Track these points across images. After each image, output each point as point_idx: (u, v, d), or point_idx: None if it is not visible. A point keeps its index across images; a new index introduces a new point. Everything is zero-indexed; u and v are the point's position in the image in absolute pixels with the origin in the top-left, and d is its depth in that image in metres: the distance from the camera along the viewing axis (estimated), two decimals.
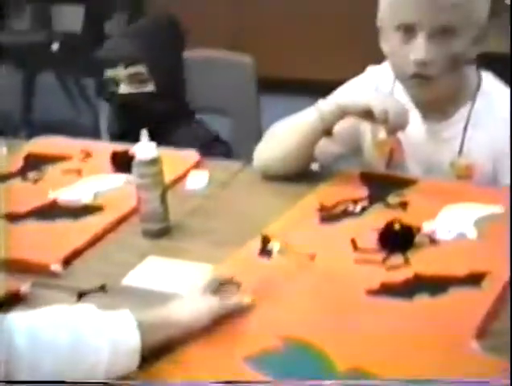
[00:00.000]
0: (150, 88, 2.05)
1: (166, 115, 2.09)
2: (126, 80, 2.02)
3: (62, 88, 4.30)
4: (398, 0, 1.50)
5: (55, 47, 4.09)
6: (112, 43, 2.13)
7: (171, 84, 2.13)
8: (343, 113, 1.54)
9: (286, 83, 4.03)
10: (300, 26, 4.28)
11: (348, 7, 4.05)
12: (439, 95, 1.56)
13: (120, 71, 2.03)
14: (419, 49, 1.49)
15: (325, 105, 1.56)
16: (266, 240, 1.39)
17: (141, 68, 2.03)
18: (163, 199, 1.47)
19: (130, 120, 2.05)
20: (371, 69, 1.71)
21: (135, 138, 1.43)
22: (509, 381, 1.01)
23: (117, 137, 2.14)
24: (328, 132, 1.57)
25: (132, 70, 2.02)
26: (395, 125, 1.50)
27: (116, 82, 2.03)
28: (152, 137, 1.43)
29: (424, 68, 1.51)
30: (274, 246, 1.36)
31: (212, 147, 2.13)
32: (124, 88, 2.02)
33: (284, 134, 1.64)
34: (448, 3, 1.46)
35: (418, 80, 1.53)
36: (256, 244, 1.38)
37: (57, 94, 4.31)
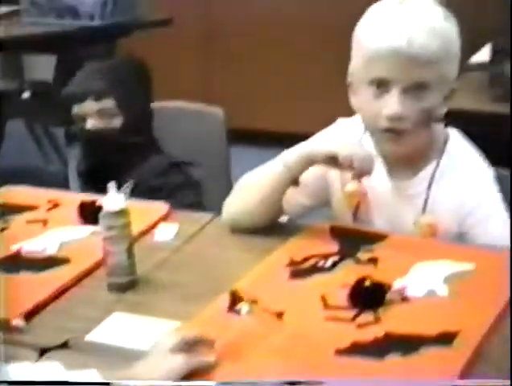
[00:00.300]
0: (118, 122, 2.03)
1: (133, 149, 2.07)
2: (95, 114, 2.00)
3: (31, 135, 4.28)
4: (373, 55, 1.50)
5: (26, 95, 4.07)
6: (80, 78, 2.11)
7: (140, 119, 2.12)
8: (308, 161, 1.53)
9: (257, 134, 4.04)
10: (273, 78, 4.30)
11: (321, 60, 4.08)
12: (410, 150, 1.56)
13: (88, 106, 2.01)
14: (392, 104, 1.49)
15: (290, 155, 1.55)
16: (234, 297, 1.36)
17: (109, 103, 2.02)
18: (130, 251, 1.44)
19: (98, 155, 2.03)
20: (341, 121, 1.70)
21: (103, 175, 1.40)
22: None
23: (85, 175, 2.11)
24: (294, 182, 1.56)
25: (100, 104, 2.00)
26: (361, 170, 1.49)
27: (83, 117, 2.01)
28: (119, 171, 1.40)
29: (398, 123, 1.51)
30: (243, 308, 1.33)
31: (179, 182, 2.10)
32: (92, 123, 2.00)
33: (251, 187, 1.63)
34: (423, 60, 1.47)
35: (390, 134, 1.53)
36: (224, 300, 1.35)
37: (26, 141, 4.29)
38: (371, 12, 1.55)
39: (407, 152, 1.57)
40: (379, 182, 1.61)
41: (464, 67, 2.58)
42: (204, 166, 2.35)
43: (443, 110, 1.57)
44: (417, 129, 1.52)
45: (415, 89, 1.49)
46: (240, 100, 4.18)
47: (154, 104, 2.41)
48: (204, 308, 1.34)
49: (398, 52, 1.47)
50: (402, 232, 1.60)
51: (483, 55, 2.55)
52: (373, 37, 1.50)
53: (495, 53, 2.32)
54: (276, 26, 4.18)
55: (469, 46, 2.73)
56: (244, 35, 4.28)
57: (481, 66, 2.53)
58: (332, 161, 1.50)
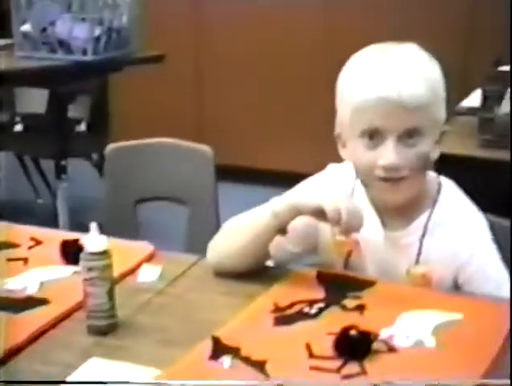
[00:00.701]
0: None
1: None
2: None
3: (22, 168, 4.26)
4: (362, 107, 1.48)
5: (18, 128, 4.06)
6: None
7: None
8: (296, 212, 1.51)
9: (246, 172, 4.03)
10: (262, 117, 4.30)
11: (308, 99, 4.08)
12: (408, 197, 1.54)
13: None
14: (388, 154, 1.47)
15: (278, 204, 1.53)
16: (216, 344, 1.33)
17: None
18: (111, 294, 1.40)
19: None
20: (332, 167, 1.68)
21: None
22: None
23: None
24: (282, 230, 1.54)
25: None
26: (348, 226, 1.46)
27: None
28: None
29: (394, 172, 1.48)
30: (225, 361, 1.29)
31: None
32: None
33: (238, 232, 1.60)
34: (414, 106, 1.45)
35: (388, 183, 1.50)
36: (206, 347, 1.32)
37: (17, 174, 4.27)
38: (353, 62, 1.53)
39: (405, 200, 1.54)
40: (372, 231, 1.58)
41: (455, 111, 2.59)
42: (192, 204, 2.34)
43: (436, 154, 1.55)
44: (414, 175, 1.50)
45: (409, 136, 1.47)
46: (230, 137, 4.18)
47: (143, 141, 2.41)
48: (185, 354, 1.31)
49: (388, 101, 1.45)
50: (395, 282, 1.56)
51: (473, 100, 2.54)
52: (361, 88, 1.48)
53: (485, 98, 2.31)
54: (267, 65, 4.18)
55: (460, 90, 2.76)
56: (234, 73, 4.28)
57: (471, 110, 2.52)
58: (320, 214, 1.47)
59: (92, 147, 3.65)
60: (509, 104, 2.18)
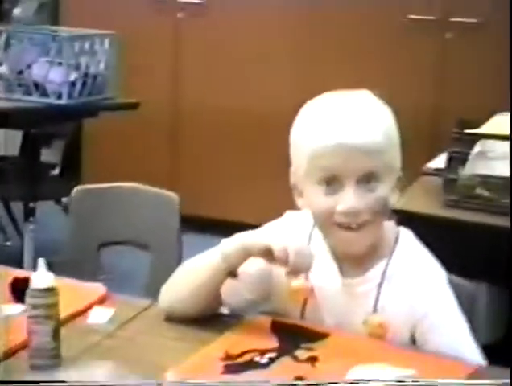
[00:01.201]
0: None
1: None
2: None
3: None
4: (318, 154, 1.47)
5: None
6: None
7: None
8: (245, 253, 1.49)
9: (210, 222, 4.01)
10: (235, 169, 4.29)
11: (284, 153, 4.08)
12: (368, 244, 1.52)
13: None
14: (347, 199, 1.46)
15: (228, 245, 1.51)
16: None
17: None
18: (56, 333, 1.37)
19: None
20: (289, 214, 1.66)
21: None
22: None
23: None
24: (232, 273, 1.51)
25: None
26: (296, 267, 1.43)
27: None
28: None
29: (354, 217, 1.47)
30: None
31: None
32: None
33: (188, 275, 1.58)
34: (370, 150, 1.45)
35: (347, 232, 1.48)
36: None
37: None
38: (306, 111, 1.53)
39: (364, 248, 1.52)
40: (329, 278, 1.56)
41: (422, 171, 2.60)
42: (155, 250, 2.31)
43: (394, 200, 1.54)
44: (374, 220, 1.48)
45: (367, 181, 1.47)
46: (202, 186, 4.16)
47: (110, 185, 2.39)
48: None
49: (346, 146, 1.44)
50: (352, 331, 1.54)
51: (440, 161, 2.56)
52: (317, 135, 1.47)
53: (450, 160, 2.31)
54: (243, 117, 4.20)
55: (429, 152, 2.78)
56: (209, 123, 4.30)
57: (437, 171, 2.53)
58: (269, 254, 1.45)
59: (63, 191, 3.61)
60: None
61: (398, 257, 1.55)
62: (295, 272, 1.45)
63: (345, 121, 1.46)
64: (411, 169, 2.34)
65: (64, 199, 3.67)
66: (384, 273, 1.54)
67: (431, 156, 2.71)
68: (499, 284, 2.27)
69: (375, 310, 1.53)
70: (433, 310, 1.51)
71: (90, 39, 3.37)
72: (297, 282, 1.55)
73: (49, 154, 4.02)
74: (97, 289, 1.70)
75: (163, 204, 2.31)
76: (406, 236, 1.59)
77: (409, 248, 1.57)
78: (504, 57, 3.43)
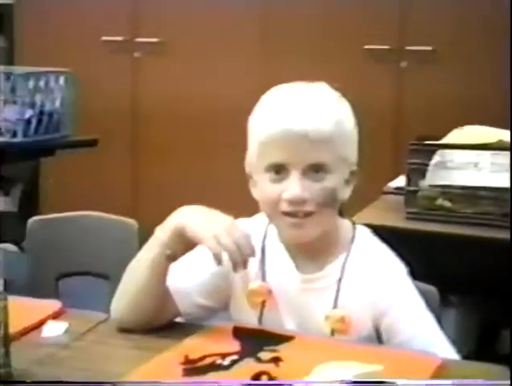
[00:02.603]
0: None
1: None
2: None
3: None
4: (267, 140, 1.45)
5: None
6: None
7: None
8: (180, 235, 1.44)
9: None
10: (197, 199, 4.24)
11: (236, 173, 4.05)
12: (314, 235, 1.48)
13: None
14: (292, 187, 1.43)
15: (163, 230, 1.47)
16: None
17: None
18: (4, 340, 1.30)
19: None
20: (240, 221, 1.59)
21: None
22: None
23: None
24: (172, 257, 1.46)
25: None
26: (233, 256, 1.39)
27: None
28: None
29: (300, 206, 1.44)
30: None
31: None
32: None
33: (130, 276, 1.53)
34: (318, 140, 1.42)
35: (293, 219, 1.45)
36: None
37: None
38: (263, 99, 1.51)
39: (311, 238, 1.49)
40: (286, 276, 1.52)
41: (382, 190, 2.59)
42: (115, 278, 2.24)
43: (347, 194, 1.51)
44: (320, 212, 1.45)
45: (314, 171, 1.44)
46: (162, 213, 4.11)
47: (66, 214, 2.34)
48: None
49: (292, 134, 1.42)
50: (313, 329, 1.49)
51: (400, 181, 2.55)
52: (265, 122, 1.46)
53: (410, 172, 2.30)
54: (207, 149, 4.17)
55: (391, 173, 2.77)
56: (171, 156, 4.27)
57: (397, 189, 2.51)
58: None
59: (21, 232, 3.54)
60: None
61: (357, 252, 1.52)
62: (234, 262, 1.40)
63: (294, 109, 1.44)
64: (372, 188, 2.35)
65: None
66: (343, 267, 1.50)
67: (391, 179, 2.70)
68: (466, 293, 2.24)
69: (336, 305, 1.49)
70: (397, 301, 1.48)
71: (45, 76, 3.34)
72: (254, 284, 1.53)
73: (6, 204, 3.96)
74: (52, 304, 1.64)
75: (121, 232, 2.27)
76: (364, 232, 1.56)
77: (367, 244, 1.54)
78: (458, 84, 3.48)
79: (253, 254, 1.42)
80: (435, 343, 1.45)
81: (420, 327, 1.47)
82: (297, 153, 1.43)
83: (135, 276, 1.51)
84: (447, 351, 1.45)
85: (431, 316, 1.48)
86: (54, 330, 1.53)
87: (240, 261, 1.40)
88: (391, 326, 1.47)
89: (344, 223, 1.56)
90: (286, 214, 1.45)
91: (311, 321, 1.50)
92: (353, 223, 1.57)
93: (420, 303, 1.49)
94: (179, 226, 1.44)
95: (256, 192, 1.52)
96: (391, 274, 1.50)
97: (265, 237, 1.56)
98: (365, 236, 1.55)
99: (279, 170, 1.45)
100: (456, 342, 1.51)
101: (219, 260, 1.39)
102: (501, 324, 2.45)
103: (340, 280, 1.50)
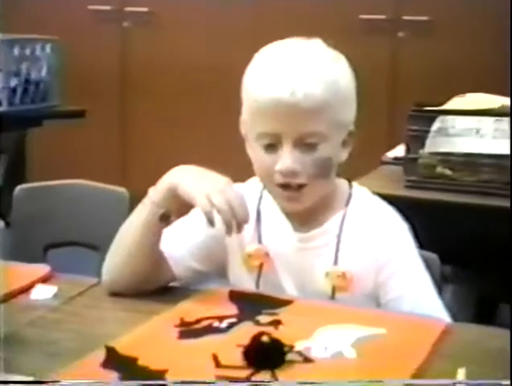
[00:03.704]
0: None
1: None
2: None
3: None
4: (257, 108, 1.38)
5: None
6: None
7: None
8: (173, 194, 1.38)
9: None
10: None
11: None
12: (309, 205, 1.43)
13: None
14: (284, 159, 1.36)
15: (156, 190, 1.41)
16: (110, 352, 1.17)
17: None
18: None
19: None
20: (235, 186, 1.56)
21: None
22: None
23: None
24: (165, 216, 1.40)
25: None
26: (225, 217, 1.31)
27: None
28: None
29: (292, 178, 1.38)
30: None
31: None
32: None
33: (122, 238, 1.47)
34: (309, 109, 1.34)
35: (286, 190, 1.39)
36: (99, 355, 1.17)
37: None
38: (258, 58, 1.43)
39: (306, 207, 1.43)
40: (283, 237, 1.47)
41: (381, 160, 2.54)
42: (105, 250, 2.19)
43: (344, 156, 1.45)
44: (315, 182, 1.39)
45: (307, 140, 1.36)
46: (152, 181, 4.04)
47: (55, 182, 2.27)
48: (74, 364, 1.15)
49: (281, 103, 1.34)
50: (313, 289, 1.44)
51: (398, 151, 2.49)
52: (257, 87, 1.38)
53: (409, 139, 2.24)
54: (198, 117, 4.11)
55: (383, 146, 2.72)
56: (159, 134, 4.20)
57: (396, 160, 2.46)
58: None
59: (7, 205, 3.47)
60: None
61: (356, 208, 1.47)
62: (227, 222, 1.32)
63: (284, 76, 1.35)
64: (369, 158, 2.30)
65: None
66: (342, 223, 1.45)
67: (388, 149, 2.65)
68: (464, 266, 2.20)
69: (336, 261, 1.44)
70: (394, 256, 1.43)
71: (31, 44, 3.26)
72: (251, 247, 1.48)
73: None
74: (41, 268, 1.58)
75: (111, 201, 2.20)
76: (361, 190, 1.51)
77: (366, 200, 1.49)
78: (455, 55, 3.43)
79: (246, 217, 1.34)
80: (424, 306, 1.40)
81: (412, 287, 1.42)
82: (288, 123, 1.35)
83: (127, 236, 1.45)
84: (439, 310, 1.41)
85: (428, 278, 1.44)
86: (43, 293, 1.47)
87: (232, 223, 1.33)
88: (384, 283, 1.43)
89: (340, 182, 1.50)
90: (280, 185, 1.40)
91: (311, 280, 1.45)
92: (349, 182, 1.51)
93: (418, 263, 1.44)
94: (173, 185, 1.38)
95: (250, 153, 1.46)
96: (391, 229, 1.45)
97: (260, 200, 1.51)
98: (362, 193, 1.50)
99: (271, 139, 1.38)
100: (453, 317, 1.47)
101: (211, 221, 1.32)
102: (499, 298, 2.41)
103: (339, 235, 1.44)
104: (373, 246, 1.43)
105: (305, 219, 1.46)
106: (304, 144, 1.37)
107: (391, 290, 1.42)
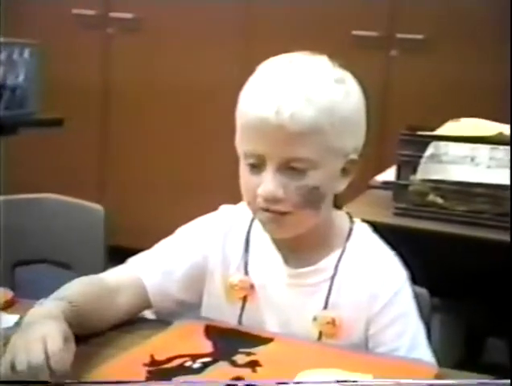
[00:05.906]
0: None
1: None
2: None
3: None
4: (244, 126, 1.28)
5: None
6: None
7: None
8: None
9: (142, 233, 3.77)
10: (161, 180, 4.07)
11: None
12: (294, 233, 1.33)
13: None
14: (266, 183, 1.26)
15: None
16: None
17: None
18: None
19: None
20: (224, 208, 1.46)
21: None
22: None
23: None
24: None
25: None
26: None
27: None
28: None
29: (274, 204, 1.27)
30: None
31: None
32: None
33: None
34: (296, 132, 1.23)
35: (269, 215, 1.29)
36: None
37: None
38: (256, 74, 1.31)
39: (291, 235, 1.33)
40: (272, 270, 1.36)
41: (368, 184, 2.45)
42: (77, 269, 2.08)
43: (342, 186, 1.33)
44: (300, 211, 1.28)
45: (293, 166, 1.25)
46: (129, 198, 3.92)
47: (26, 195, 2.17)
48: None
49: (265, 122, 1.23)
50: (298, 331, 1.34)
51: (388, 175, 2.41)
52: (245, 103, 1.28)
53: (400, 165, 2.15)
54: (181, 132, 4.01)
55: (372, 169, 2.63)
56: (139, 145, 4.09)
57: (385, 184, 2.37)
58: None
59: None
60: None
61: (354, 248, 1.36)
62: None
63: (273, 95, 1.24)
64: (357, 181, 2.20)
65: None
66: (338, 263, 1.34)
67: (377, 172, 2.56)
68: (453, 298, 2.11)
69: (326, 305, 1.33)
70: (388, 308, 1.32)
71: (8, 47, 3.12)
72: (235, 277, 1.38)
73: None
74: (3, 293, 1.48)
75: (86, 218, 2.10)
76: (362, 227, 1.40)
77: (366, 240, 1.38)
78: (450, 75, 3.36)
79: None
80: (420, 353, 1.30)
81: (404, 343, 1.31)
82: (273, 144, 1.24)
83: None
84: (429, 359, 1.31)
85: (421, 329, 1.34)
86: (4, 322, 1.36)
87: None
88: (375, 335, 1.32)
89: (340, 216, 1.39)
90: (263, 209, 1.29)
91: (297, 321, 1.35)
92: (351, 217, 1.40)
93: (412, 315, 1.33)
94: None
95: (240, 176, 1.35)
96: (389, 278, 1.34)
97: (250, 227, 1.41)
98: (364, 231, 1.39)
99: (256, 159, 1.27)
100: (441, 350, 1.38)
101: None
102: (488, 331, 2.32)
103: (333, 277, 1.34)
104: (368, 294, 1.32)
105: (298, 252, 1.36)
106: (291, 168, 1.26)
107: (382, 344, 1.32)
